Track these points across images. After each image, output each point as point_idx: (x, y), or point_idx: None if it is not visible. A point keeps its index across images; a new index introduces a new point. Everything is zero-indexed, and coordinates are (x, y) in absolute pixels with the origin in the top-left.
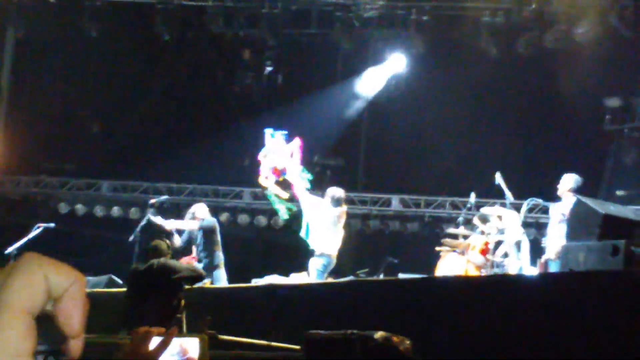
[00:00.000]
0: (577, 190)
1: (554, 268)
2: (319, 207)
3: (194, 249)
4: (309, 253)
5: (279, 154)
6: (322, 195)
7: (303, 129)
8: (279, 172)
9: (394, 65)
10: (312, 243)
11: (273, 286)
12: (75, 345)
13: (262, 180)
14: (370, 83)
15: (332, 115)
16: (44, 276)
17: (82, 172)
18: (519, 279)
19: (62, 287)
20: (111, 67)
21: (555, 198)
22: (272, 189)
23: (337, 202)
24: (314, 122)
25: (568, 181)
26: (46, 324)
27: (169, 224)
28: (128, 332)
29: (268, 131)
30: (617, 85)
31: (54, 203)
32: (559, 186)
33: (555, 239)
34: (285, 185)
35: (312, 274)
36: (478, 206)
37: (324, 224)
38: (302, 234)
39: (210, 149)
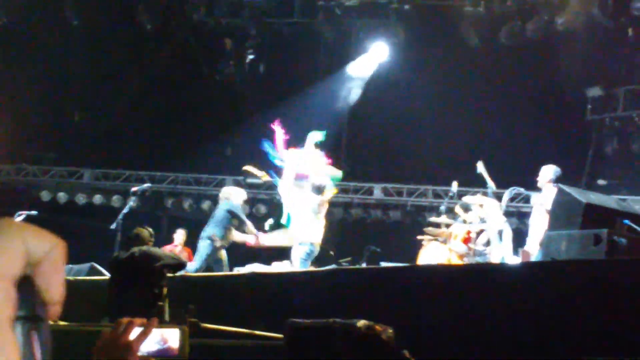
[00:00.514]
0: (557, 181)
1: (536, 259)
2: (300, 195)
3: (175, 237)
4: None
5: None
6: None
7: (285, 118)
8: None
9: (376, 54)
10: (294, 231)
11: (255, 274)
12: (55, 310)
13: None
14: (358, 71)
15: (314, 105)
16: (23, 240)
17: (64, 161)
18: (501, 268)
19: (42, 252)
20: (93, 55)
21: (537, 187)
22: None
23: (318, 190)
24: (296, 111)
25: (547, 172)
26: (24, 289)
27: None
28: (110, 320)
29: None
30: (598, 75)
31: (36, 191)
32: (538, 178)
33: (535, 231)
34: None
35: (295, 263)
36: (460, 195)
37: (306, 212)
38: (284, 221)
39: (192, 137)
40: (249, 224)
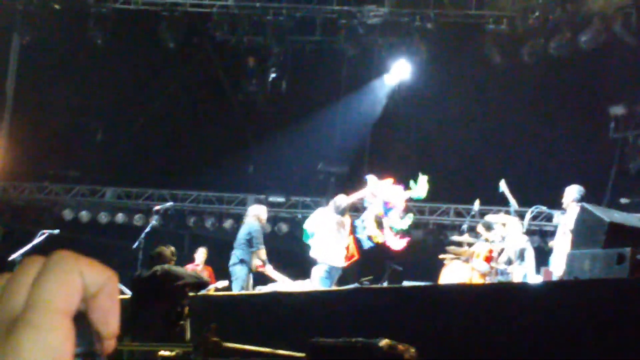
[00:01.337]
0: (581, 201)
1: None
2: (322, 215)
3: (196, 256)
4: (313, 261)
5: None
6: (327, 202)
7: (307, 136)
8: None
9: (398, 72)
10: (314, 251)
11: (277, 293)
12: (110, 345)
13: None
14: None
15: (337, 122)
16: (80, 274)
17: (87, 179)
18: (523, 287)
19: (98, 284)
20: (116, 74)
21: (560, 206)
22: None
23: (340, 210)
24: (318, 129)
25: (572, 192)
26: (81, 325)
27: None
28: (132, 339)
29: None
30: (621, 93)
31: (59, 209)
32: (563, 198)
33: (560, 250)
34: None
35: (315, 282)
36: (482, 214)
37: (326, 232)
38: (304, 238)
39: (214, 155)
40: (262, 250)
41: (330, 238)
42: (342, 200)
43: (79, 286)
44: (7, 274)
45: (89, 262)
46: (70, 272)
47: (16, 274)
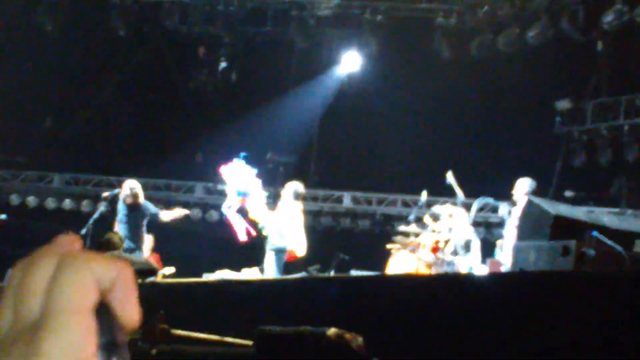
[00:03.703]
0: (532, 194)
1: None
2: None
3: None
4: (263, 248)
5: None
6: (276, 192)
7: (256, 125)
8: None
9: (348, 63)
10: (270, 238)
11: (225, 281)
12: (130, 334)
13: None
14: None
15: (285, 112)
16: (91, 271)
17: (34, 165)
18: (469, 278)
19: (110, 279)
20: (65, 60)
21: (506, 198)
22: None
23: (297, 196)
24: (267, 118)
25: (523, 185)
26: (103, 317)
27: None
28: None
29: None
30: (567, 88)
31: (5, 195)
32: (514, 191)
33: (510, 242)
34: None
35: (270, 269)
36: (429, 204)
37: (282, 219)
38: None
39: (164, 143)
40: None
41: (287, 224)
42: (299, 186)
43: (92, 284)
44: (20, 263)
45: (98, 258)
46: (81, 271)
47: (30, 271)
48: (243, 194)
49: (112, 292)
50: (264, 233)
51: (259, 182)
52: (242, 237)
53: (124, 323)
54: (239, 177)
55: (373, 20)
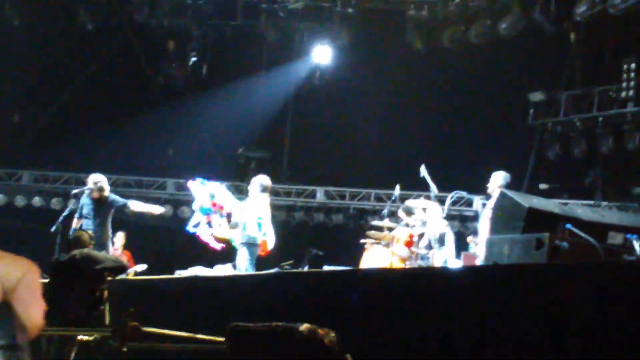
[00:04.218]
0: (507, 187)
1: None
2: (246, 201)
3: (115, 240)
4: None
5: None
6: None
7: (227, 121)
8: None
9: (319, 57)
10: (240, 232)
11: (196, 277)
12: (34, 335)
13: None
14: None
15: (257, 107)
16: None
17: (2, 162)
18: (443, 272)
19: (14, 278)
20: (33, 55)
21: (480, 191)
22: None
23: (264, 189)
24: (238, 113)
25: (497, 178)
26: (3, 317)
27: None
28: (49, 324)
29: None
30: (540, 80)
31: None
32: (488, 184)
33: (484, 235)
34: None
35: (243, 265)
36: (403, 198)
37: (251, 212)
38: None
39: (134, 139)
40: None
41: (263, 218)
42: (265, 179)
43: None
44: None
45: (3, 256)
46: None
47: None
48: (207, 212)
49: (15, 293)
50: (234, 244)
51: (225, 192)
52: (216, 246)
53: (27, 325)
54: (203, 195)
55: (344, 12)
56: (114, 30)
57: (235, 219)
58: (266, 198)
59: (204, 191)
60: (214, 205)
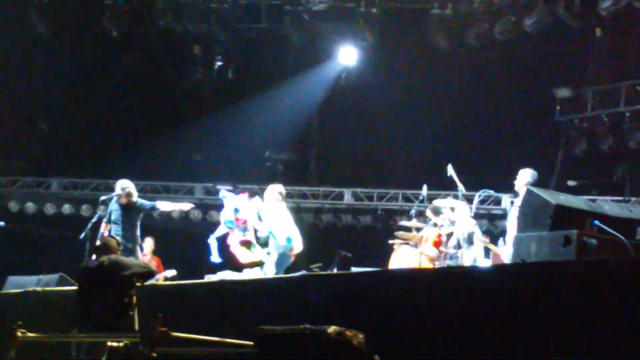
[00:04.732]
0: (534, 185)
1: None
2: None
3: (144, 246)
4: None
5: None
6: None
7: (254, 124)
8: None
9: (344, 58)
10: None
11: (224, 282)
12: None
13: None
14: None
15: (284, 110)
16: None
17: (32, 170)
18: (472, 271)
19: None
20: (60, 63)
21: (507, 189)
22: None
23: (281, 197)
24: (265, 116)
25: (525, 176)
26: None
27: None
28: (79, 330)
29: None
30: (566, 76)
31: (4, 202)
32: (515, 182)
33: (512, 233)
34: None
35: (270, 269)
36: (430, 198)
37: (274, 222)
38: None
39: (161, 145)
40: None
41: (288, 225)
42: (281, 187)
43: None
44: None
45: None
46: None
47: None
48: (230, 225)
49: None
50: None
51: (252, 206)
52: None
53: None
54: (229, 207)
55: (368, 12)
56: (139, 37)
57: (262, 234)
58: (284, 204)
59: (231, 204)
60: (237, 220)
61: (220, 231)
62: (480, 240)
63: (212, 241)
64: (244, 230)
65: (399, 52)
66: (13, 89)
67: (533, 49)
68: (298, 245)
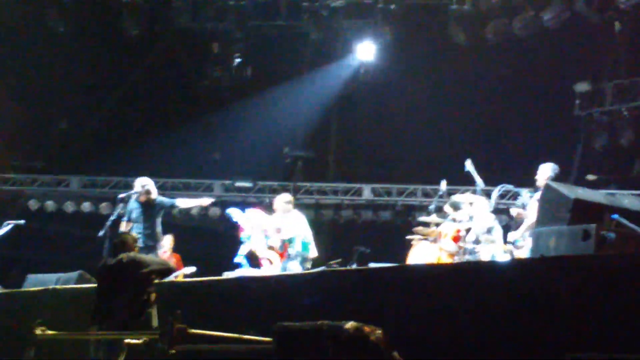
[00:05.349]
0: (555, 179)
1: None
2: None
3: (163, 243)
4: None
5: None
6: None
7: (273, 121)
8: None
9: (363, 54)
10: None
11: (243, 278)
12: None
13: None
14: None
15: (302, 106)
16: None
17: (51, 169)
18: (491, 266)
19: None
20: (78, 62)
21: (527, 184)
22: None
23: (291, 205)
24: (284, 113)
25: (546, 170)
26: None
27: None
28: (99, 327)
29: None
30: (585, 70)
31: (24, 200)
32: (537, 176)
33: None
34: None
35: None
36: (449, 193)
37: (290, 230)
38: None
39: (180, 142)
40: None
41: (305, 231)
42: (289, 196)
43: None
44: None
45: None
46: None
47: None
48: (248, 239)
49: None
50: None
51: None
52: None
53: None
54: (245, 224)
55: (386, 9)
56: (157, 35)
57: (272, 242)
58: (296, 211)
59: (241, 221)
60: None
61: (244, 249)
62: (486, 240)
63: (241, 260)
64: (265, 237)
65: (418, 48)
66: (32, 88)
67: (552, 44)
68: (313, 251)
